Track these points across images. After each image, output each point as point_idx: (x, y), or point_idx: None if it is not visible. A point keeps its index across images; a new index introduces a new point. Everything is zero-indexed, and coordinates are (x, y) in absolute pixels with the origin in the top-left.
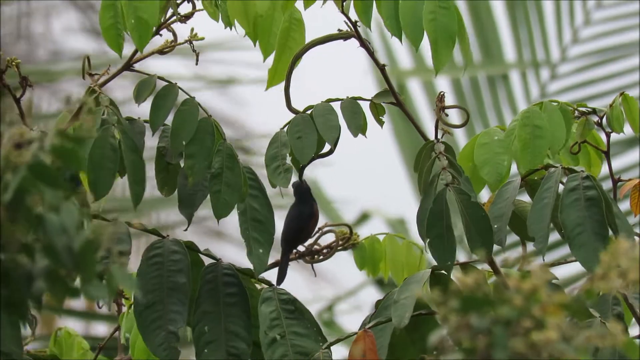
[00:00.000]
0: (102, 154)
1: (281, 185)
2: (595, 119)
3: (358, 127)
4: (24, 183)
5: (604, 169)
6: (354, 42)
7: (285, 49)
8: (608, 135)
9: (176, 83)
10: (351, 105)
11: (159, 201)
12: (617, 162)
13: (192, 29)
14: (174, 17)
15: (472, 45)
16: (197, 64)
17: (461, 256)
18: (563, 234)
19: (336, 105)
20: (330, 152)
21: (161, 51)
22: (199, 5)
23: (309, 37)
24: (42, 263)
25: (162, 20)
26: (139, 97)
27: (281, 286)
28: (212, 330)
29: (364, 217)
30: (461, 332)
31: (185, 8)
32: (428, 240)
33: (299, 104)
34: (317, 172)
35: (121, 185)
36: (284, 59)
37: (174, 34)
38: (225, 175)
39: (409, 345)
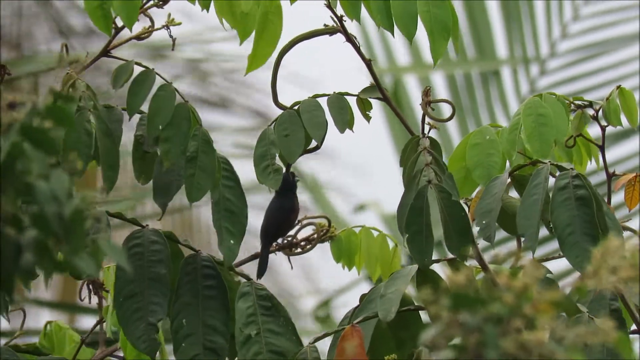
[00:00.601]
0: (77, 137)
1: (270, 186)
2: (591, 112)
3: (345, 122)
4: (14, 148)
5: (592, 163)
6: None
7: (263, 33)
8: (603, 129)
9: (153, 69)
10: (338, 101)
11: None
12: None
13: (169, 15)
14: (151, 2)
15: (467, 42)
16: (173, 49)
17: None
18: (552, 230)
19: (323, 101)
20: (317, 147)
21: (139, 37)
22: None
23: (295, 33)
24: (30, 234)
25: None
26: (116, 82)
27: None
28: (190, 323)
29: (360, 208)
30: (452, 329)
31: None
32: (407, 236)
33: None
34: (314, 165)
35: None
36: (262, 43)
37: (151, 20)
38: (200, 159)
39: (390, 340)
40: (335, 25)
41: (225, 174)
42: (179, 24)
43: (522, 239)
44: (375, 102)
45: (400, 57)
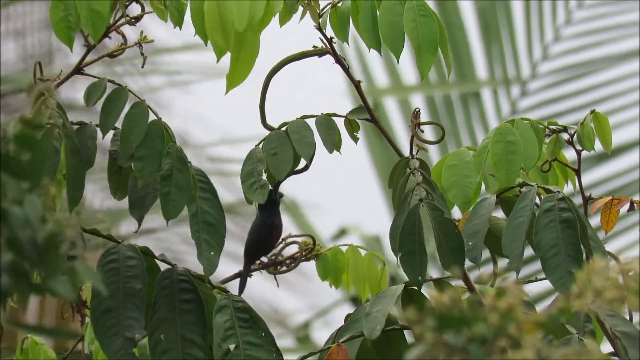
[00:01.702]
0: (41, 159)
1: (257, 200)
2: (566, 137)
3: (333, 143)
4: None
5: (571, 186)
6: (330, 61)
7: (241, 50)
8: (579, 153)
9: (126, 86)
10: (326, 122)
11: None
12: (583, 180)
13: (142, 32)
14: (123, 20)
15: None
16: (143, 66)
17: (433, 272)
18: (537, 252)
19: (311, 122)
20: (306, 168)
21: (111, 54)
22: (148, 8)
23: (284, 55)
24: (6, 258)
25: (110, 22)
26: (89, 100)
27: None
28: (168, 338)
29: (342, 233)
30: (437, 350)
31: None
32: (400, 255)
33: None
34: (295, 190)
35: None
36: (241, 60)
37: (124, 37)
38: (175, 177)
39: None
40: (324, 46)
41: (202, 185)
42: (152, 41)
43: (501, 260)
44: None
45: (379, 79)
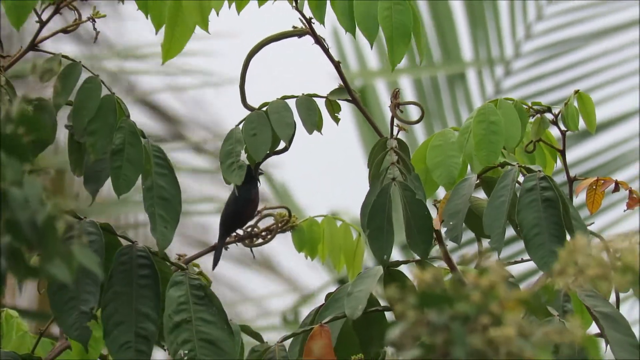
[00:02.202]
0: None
1: (234, 182)
2: (550, 117)
3: (313, 124)
4: None
5: (558, 165)
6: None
7: (177, 21)
8: (563, 133)
9: (80, 61)
10: (306, 102)
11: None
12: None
13: (94, 7)
14: None
15: (433, 45)
16: (95, 41)
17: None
18: (519, 232)
19: (292, 103)
20: (285, 149)
21: (65, 30)
22: None
23: (263, 36)
24: (3, 241)
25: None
26: (43, 76)
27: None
28: (122, 311)
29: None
30: (419, 328)
31: None
32: (368, 232)
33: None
34: (285, 172)
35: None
36: (177, 31)
37: (78, 13)
38: (127, 151)
39: (354, 341)
40: (304, 27)
41: (158, 161)
42: (104, 16)
43: (483, 240)
44: (347, 105)
45: (371, 61)
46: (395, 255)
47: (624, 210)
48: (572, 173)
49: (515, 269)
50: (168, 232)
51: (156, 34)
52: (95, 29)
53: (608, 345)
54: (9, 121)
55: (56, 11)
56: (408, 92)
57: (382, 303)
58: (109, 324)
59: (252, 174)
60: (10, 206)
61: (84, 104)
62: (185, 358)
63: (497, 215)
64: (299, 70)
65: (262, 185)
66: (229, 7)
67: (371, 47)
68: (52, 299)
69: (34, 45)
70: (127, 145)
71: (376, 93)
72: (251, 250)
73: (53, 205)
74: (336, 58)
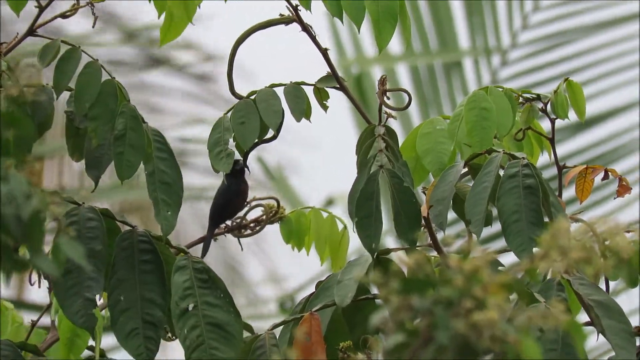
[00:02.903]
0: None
1: (222, 170)
2: (540, 105)
3: (301, 111)
4: None
5: (546, 156)
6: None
7: (174, 13)
8: (553, 121)
9: (79, 46)
10: (294, 90)
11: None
12: (562, 149)
13: None
14: None
15: (430, 32)
16: (93, 26)
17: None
18: (499, 217)
19: (280, 91)
20: (274, 137)
21: (63, 15)
22: None
23: (252, 23)
24: None
25: None
26: (42, 60)
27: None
28: (128, 297)
29: (329, 203)
30: (402, 313)
31: None
32: (356, 220)
33: None
34: (282, 158)
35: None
36: (175, 21)
37: None
38: (128, 136)
39: (344, 327)
40: (290, 14)
41: (159, 145)
42: (103, 0)
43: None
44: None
45: (368, 48)
46: (390, 243)
47: (614, 198)
48: (570, 164)
49: (506, 259)
50: (171, 217)
51: (158, 18)
52: (94, 13)
53: (599, 334)
54: None
55: None
56: (404, 80)
57: (373, 291)
58: (115, 311)
59: (240, 166)
60: None
61: (85, 89)
62: (194, 344)
63: (478, 201)
64: (300, 58)
65: (259, 171)
66: None
67: (358, 31)
68: (55, 286)
69: (32, 30)
70: (128, 130)
71: (372, 80)
72: (239, 242)
73: (39, 199)
74: (333, 45)
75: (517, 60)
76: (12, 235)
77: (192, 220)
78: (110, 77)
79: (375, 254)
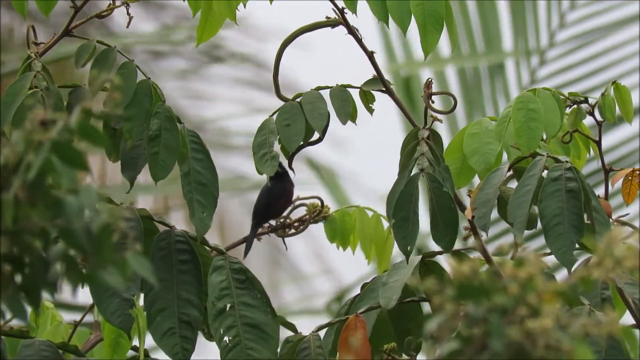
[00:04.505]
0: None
1: (267, 173)
2: (587, 107)
3: (347, 114)
4: (45, 164)
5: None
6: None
7: (210, 12)
8: (600, 124)
9: (115, 47)
10: (340, 93)
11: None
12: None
13: None
14: None
15: (477, 35)
16: (128, 26)
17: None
18: (540, 221)
19: (326, 94)
20: (319, 140)
21: (99, 15)
22: None
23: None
24: (57, 248)
25: None
26: (78, 61)
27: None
28: (165, 297)
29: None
30: (456, 320)
31: None
32: (393, 221)
33: None
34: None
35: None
36: (210, 20)
37: None
38: (163, 137)
39: (389, 331)
40: (337, 17)
41: (195, 147)
42: (138, 0)
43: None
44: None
45: (417, 51)
46: (434, 245)
47: None
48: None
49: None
50: (206, 218)
51: (193, 17)
52: (129, 14)
53: None
54: (67, 131)
55: None
56: (453, 82)
57: (418, 293)
58: (152, 311)
59: (284, 168)
60: (66, 214)
61: (120, 90)
62: (230, 344)
63: (521, 203)
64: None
65: (308, 171)
66: None
67: (404, 36)
68: (92, 286)
69: (68, 31)
70: (163, 130)
71: (421, 83)
72: (283, 241)
73: (109, 213)
74: (382, 48)
75: (554, 59)
76: (81, 249)
77: None
78: (145, 78)
79: (421, 256)
